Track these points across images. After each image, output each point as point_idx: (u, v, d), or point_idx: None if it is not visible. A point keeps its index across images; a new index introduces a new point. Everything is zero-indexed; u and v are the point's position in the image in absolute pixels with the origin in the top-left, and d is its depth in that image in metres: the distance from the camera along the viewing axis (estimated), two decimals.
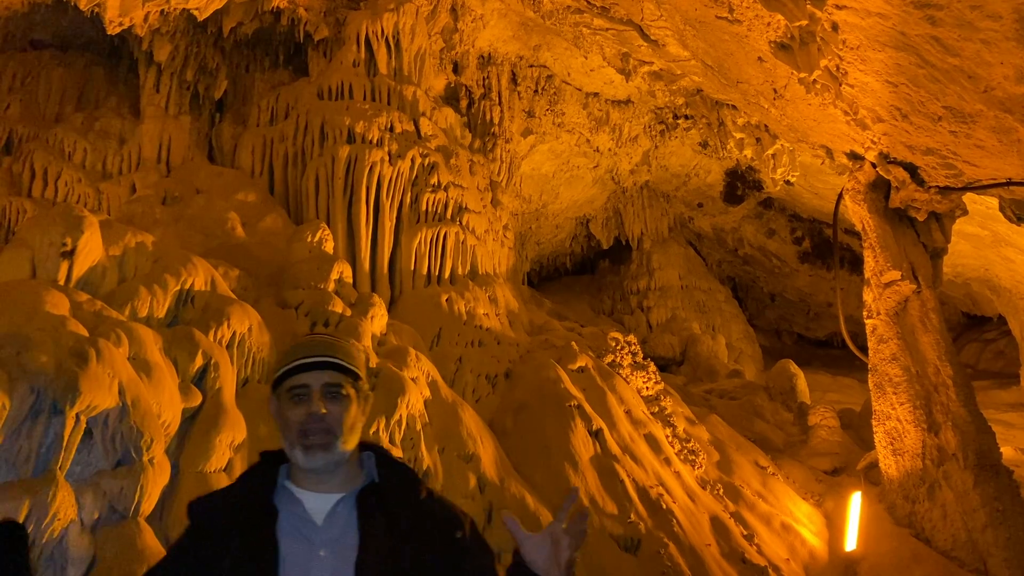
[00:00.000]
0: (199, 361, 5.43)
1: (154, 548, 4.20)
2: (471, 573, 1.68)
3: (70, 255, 5.31)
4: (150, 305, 5.73)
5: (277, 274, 8.39)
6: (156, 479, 4.47)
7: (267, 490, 1.70)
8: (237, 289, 7.26)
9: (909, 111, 6.15)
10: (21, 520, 3.70)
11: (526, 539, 1.68)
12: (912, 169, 7.25)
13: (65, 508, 3.92)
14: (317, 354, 1.75)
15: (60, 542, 3.93)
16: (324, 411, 1.68)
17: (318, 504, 1.68)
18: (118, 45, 11.97)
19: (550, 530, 1.68)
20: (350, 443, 1.72)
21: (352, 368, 1.77)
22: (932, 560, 7.28)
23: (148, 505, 4.45)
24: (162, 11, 9.52)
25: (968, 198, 7.67)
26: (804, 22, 6.12)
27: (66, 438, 4.10)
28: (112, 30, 8.63)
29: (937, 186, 7.23)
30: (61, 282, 5.23)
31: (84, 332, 4.63)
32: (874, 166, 7.64)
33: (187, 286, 6.14)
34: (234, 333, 6.05)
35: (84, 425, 4.24)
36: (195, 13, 9.59)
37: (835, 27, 5.74)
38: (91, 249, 5.52)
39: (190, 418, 5.22)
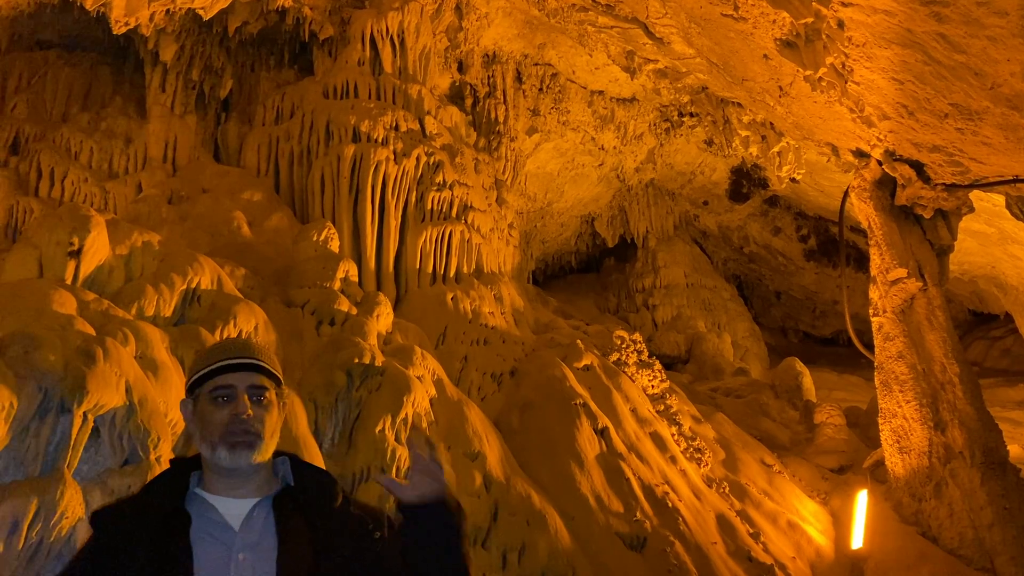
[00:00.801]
0: None
1: None
2: (393, 571, 1.67)
3: (77, 254, 5.33)
4: (157, 304, 5.75)
5: (283, 273, 8.41)
6: None
7: (177, 497, 1.66)
8: (243, 288, 7.27)
9: (915, 108, 6.13)
10: (30, 518, 3.72)
11: (400, 486, 1.71)
12: (918, 166, 7.23)
13: (73, 506, 3.93)
14: (241, 355, 1.72)
15: (68, 540, 3.94)
16: (250, 412, 1.66)
17: (233, 509, 1.65)
18: (124, 45, 11.99)
19: (415, 466, 1.74)
20: (270, 448, 1.70)
21: (275, 372, 1.76)
22: (939, 558, 7.26)
23: None
24: (167, 11, 9.54)
25: (975, 195, 7.64)
26: (810, 19, 6.11)
27: (74, 437, 4.11)
28: (118, 30, 8.65)
29: (943, 183, 7.21)
30: (68, 281, 5.25)
31: (91, 331, 4.65)
32: (880, 163, 7.62)
33: (193, 285, 6.16)
34: (240, 332, 6.06)
35: (92, 424, 4.26)
36: (200, 13, 9.61)
37: (841, 24, 5.73)
38: (98, 248, 5.54)
39: None
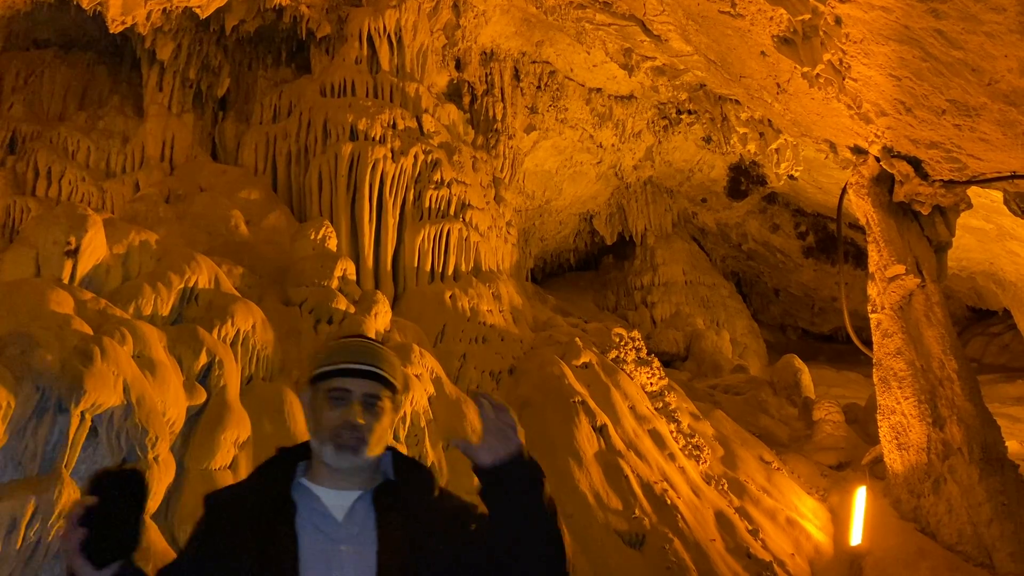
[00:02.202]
0: (203, 359, 5.44)
1: (159, 545, 4.21)
2: (485, 562, 1.68)
3: (74, 254, 5.32)
4: (154, 303, 5.74)
5: (281, 272, 8.40)
6: (161, 477, 4.48)
7: (284, 484, 1.73)
8: (241, 287, 7.26)
9: (913, 105, 6.13)
10: (27, 518, 3.72)
11: (477, 449, 1.69)
12: (916, 163, 7.23)
13: (71, 506, 3.92)
14: (363, 362, 1.77)
15: None
16: (361, 421, 1.71)
17: (337, 500, 1.71)
18: (121, 44, 11.98)
19: (487, 427, 1.71)
20: (377, 450, 1.75)
21: (391, 379, 1.80)
22: (938, 554, 7.27)
23: (153, 503, 4.46)
24: (164, 9, 9.52)
25: (973, 192, 7.65)
26: (807, 16, 6.11)
27: (71, 436, 4.11)
28: (115, 29, 8.64)
29: (941, 180, 7.22)
30: (65, 281, 5.24)
31: (89, 330, 4.64)
32: (878, 160, 7.62)
33: (191, 284, 6.15)
34: (238, 331, 6.06)
35: (89, 423, 4.25)
36: (197, 11, 9.59)
37: (838, 21, 5.73)
38: (95, 247, 5.53)
39: (195, 416, 5.23)
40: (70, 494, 3.94)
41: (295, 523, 1.65)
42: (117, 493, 1.58)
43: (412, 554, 1.65)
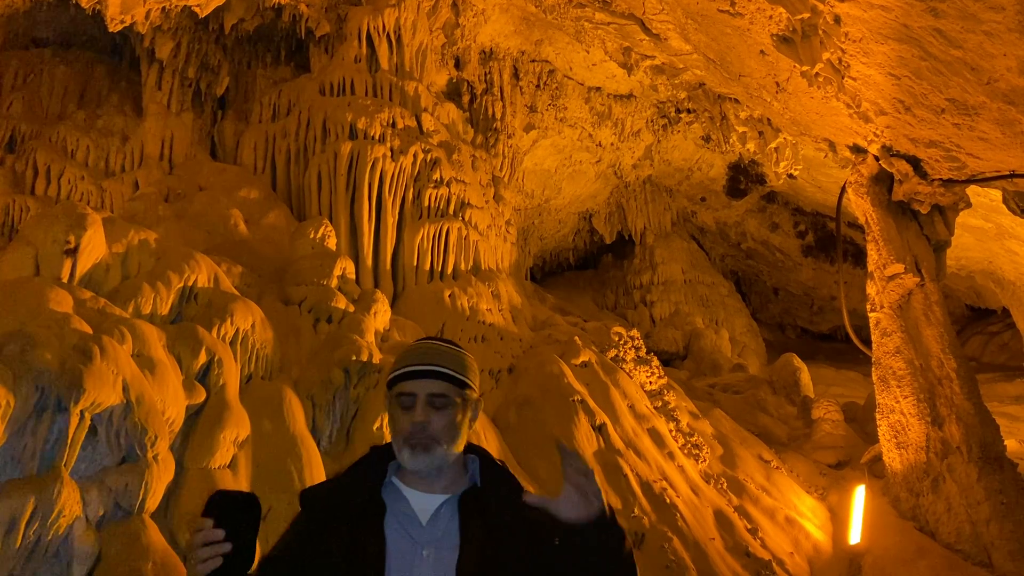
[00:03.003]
0: (203, 358, 5.44)
1: (159, 544, 4.21)
2: (563, 570, 1.66)
3: (73, 253, 5.32)
4: (153, 302, 5.74)
5: (280, 271, 8.40)
6: (161, 476, 4.48)
7: (376, 484, 1.77)
8: (240, 286, 7.26)
9: (912, 104, 6.14)
10: (27, 517, 3.72)
11: (556, 504, 1.63)
12: (915, 162, 7.24)
13: (70, 505, 3.93)
14: (424, 363, 1.81)
15: (65, 539, 3.94)
16: (426, 420, 1.74)
17: (423, 504, 1.74)
18: (120, 43, 11.98)
19: (568, 482, 1.64)
20: (454, 448, 1.78)
21: (459, 376, 1.82)
22: (936, 553, 7.28)
23: (153, 502, 4.46)
24: (163, 8, 9.51)
25: (972, 191, 7.66)
26: (806, 15, 6.11)
27: (71, 435, 4.11)
28: (114, 27, 8.63)
29: (940, 179, 7.22)
30: (64, 280, 5.24)
31: (88, 329, 4.64)
32: (877, 159, 7.62)
33: (190, 283, 6.15)
34: (237, 330, 6.05)
35: (88, 422, 4.25)
36: (196, 10, 9.58)
37: (837, 20, 5.73)
38: (94, 246, 5.52)
39: (194, 415, 5.23)
40: (69, 493, 3.94)
41: (384, 523, 1.69)
42: (235, 515, 1.58)
43: (491, 562, 1.66)
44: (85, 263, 5.46)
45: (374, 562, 1.63)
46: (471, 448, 1.87)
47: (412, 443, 1.73)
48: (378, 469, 1.81)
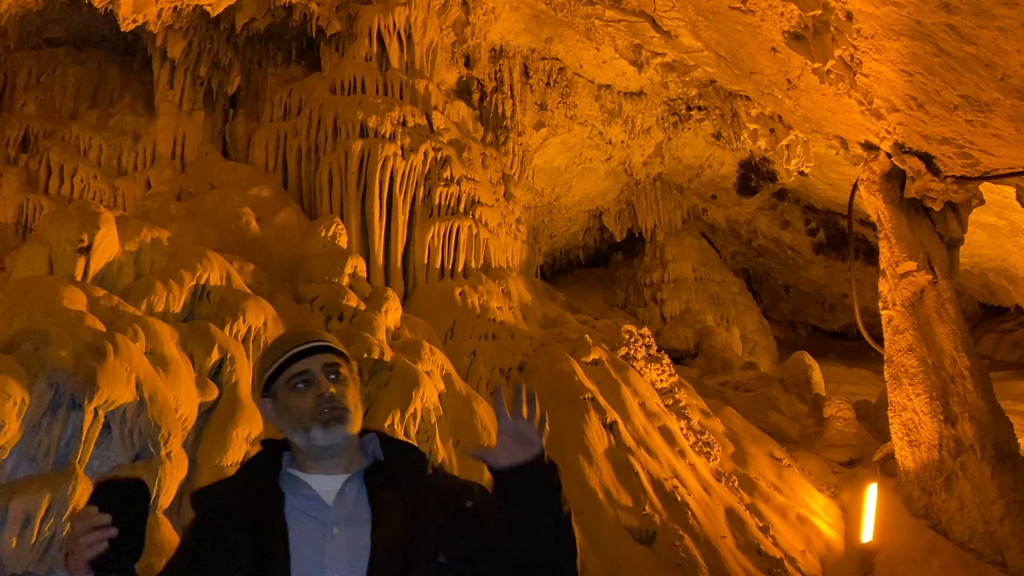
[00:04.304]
0: (215, 355, 5.47)
1: (172, 541, 4.24)
2: (483, 535, 1.67)
3: (87, 251, 5.35)
4: (166, 300, 5.77)
5: (292, 269, 8.43)
6: (174, 473, 4.51)
7: (271, 476, 1.70)
8: (252, 284, 7.29)
9: (924, 100, 6.10)
10: (42, 513, 3.75)
11: (492, 453, 1.67)
12: (928, 159, 7.20)
13: (84, 502, 3.95)
14: (308, 340, 1.76)
15: None
16: (333, 390, 1.69)
17: (326, 485, 1.68)
18: (132, 42, 12.03)
19: (501, 429, 1.68)
20: (358, 420, 1.73)
21: (343, 351, 1.79)
22: (949, 552, 7.25)
23: (166, 499, 4.49)
24: (175, 8, 9.56)
25: (985, 187, 7.61)
26: (818, 12, 6.09)
27: (85, 432, 4.14)
28: (126, 27, 8.68)
29: (953, 176, 7.18)
30: (78, 278, 5.28)
31: (101, 327, 4.67)
32: (889, 156, 7.59)
33: (203, 281, 6.18)
34: (249, 327, 6.08)
35: (102, 419, 4.28)
36: (208, 9, 9.62)
37: (849, 16, 5.71)
38: (107, 245, 5.56)
39: (207, 412, 5.26)
40: (84, 490, 3.97)
41: (284, 512, 1.63)
42: (122, 502, 1.53)
43: (407, 531, 1.62)
44: (98, 261, 5.49)
45: (279, 552, 1.57)
46: (365, 429, 1.79)
47: (324, 418, 1.66)
48: (272, 461, 1.74)
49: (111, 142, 11.00)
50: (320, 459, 1.70)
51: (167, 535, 4.28)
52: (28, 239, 5.71)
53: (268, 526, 1.60)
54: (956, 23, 4.87)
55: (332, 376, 1.72)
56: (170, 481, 4.46)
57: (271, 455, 1.76)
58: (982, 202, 7.76)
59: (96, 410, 4.20)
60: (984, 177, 7.01)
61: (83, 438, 4.13)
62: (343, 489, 1.68)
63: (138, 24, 8.88)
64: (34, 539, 3.73)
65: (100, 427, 4.26)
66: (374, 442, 1.78)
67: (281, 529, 1.60)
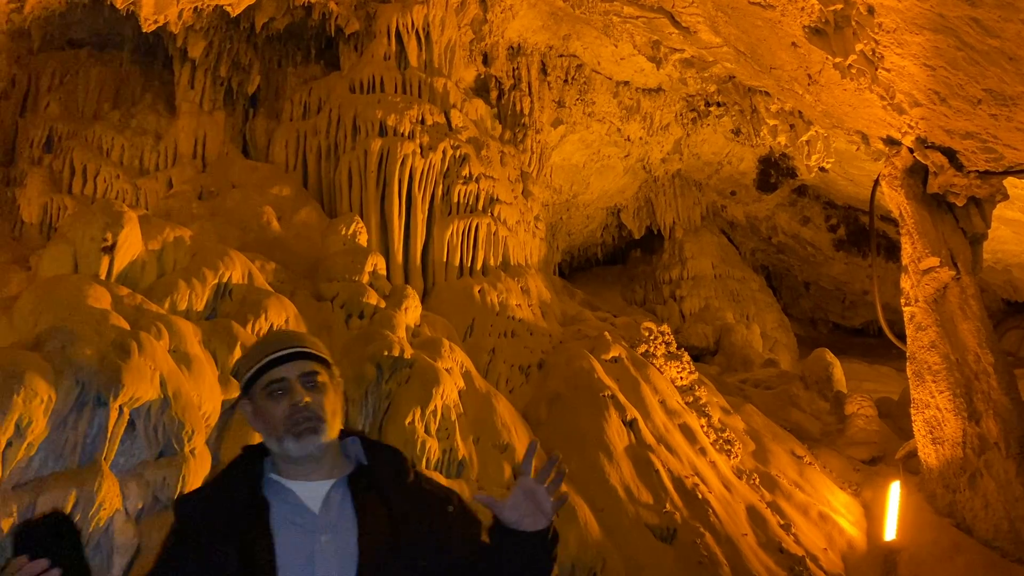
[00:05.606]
0: (238, 353, 5.50)
1: None
2: (462, 543, 1.70)
3: (111, 250, 5.41)
4: (189, 298, 5.82)
5: (312, 267, 8.48)
6: (197, 469, 4.55)
7: (254, 483, 1.68)
8: (274, 282, 7.34)
9: (947, 94, 6.05)
10: (68, 509, 3.79)
11: (501, 505, 1.68)
12: (951, 153, 7.13)
13: (110, 498, 4.00)
14: (286, 346, 1.74)
15: (106, 531, 4.02)
16: (308, 399, 1.68)
17: (310, 492, 1.67)
18: (153, 43, 12.12)
19: (520, 485, 1.69)
20: (334, 428, 1.72)
21: (323, 356, 1.77)
22: (974, 550, 7.19)
23: None
24: (195, 8, 9.62)
25: (1009, 182, 7.52)
26: (839, 6, 6.05)
27: (110, 429, 4.19)
28: (147, 28, 8.75)
29: (976, 170, 7.11)
30: (102, 276, 5.33)
31: (126, 325, 4.72)
32: (911, 151, 7.52)
33: (225, 279, 6.23)
34: (271, 325, 6.12)
35: (127, 416, 4.33)
36: (228, 9, 9.69)
37: (871, 10, 5.66)
38: (131, 244, 5.61)
39: (230, 409, 5.30)
40: (109, 486, 4.02)
41: (270, 521, 1.61)
42: (51, 540, 1.44)
43: (392, 536, 1.63)
44: (122, 260, 5.55)
45: (265, 563, 1.55)
46: (346, 432, 1.78)
47: (297, 429, 1.64)
48: (254, 467, 1.71)
49: (133, 142, 11.11)
50: (300, 465, 1.69)
51: None
52: (53, 238, 5.78)
53: (254, 535, 1.58)
54: (980, 16, 4.82)
55: (309, 384, 1.70)
56: (194, 477, 4.50)
57: (252, 460, 1.74)
58: (1006, 197, 7.67)
59: (121, 407, 4.25)
60: (1008, 172, 6.93)
61: (108, 435, 4.18)
62: (328, 496, 1.67)
63: (159, 25, 8.96)
64: None
65: (125, 424, 4.31)
66: (356, 446, 1.77)
67: (268, 539, 1.59)
